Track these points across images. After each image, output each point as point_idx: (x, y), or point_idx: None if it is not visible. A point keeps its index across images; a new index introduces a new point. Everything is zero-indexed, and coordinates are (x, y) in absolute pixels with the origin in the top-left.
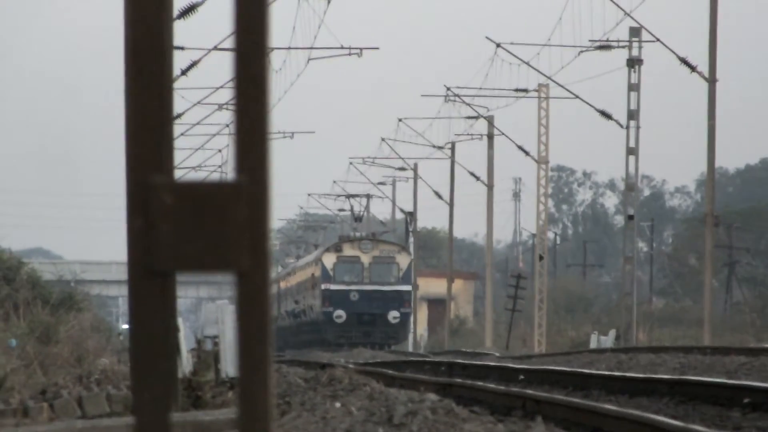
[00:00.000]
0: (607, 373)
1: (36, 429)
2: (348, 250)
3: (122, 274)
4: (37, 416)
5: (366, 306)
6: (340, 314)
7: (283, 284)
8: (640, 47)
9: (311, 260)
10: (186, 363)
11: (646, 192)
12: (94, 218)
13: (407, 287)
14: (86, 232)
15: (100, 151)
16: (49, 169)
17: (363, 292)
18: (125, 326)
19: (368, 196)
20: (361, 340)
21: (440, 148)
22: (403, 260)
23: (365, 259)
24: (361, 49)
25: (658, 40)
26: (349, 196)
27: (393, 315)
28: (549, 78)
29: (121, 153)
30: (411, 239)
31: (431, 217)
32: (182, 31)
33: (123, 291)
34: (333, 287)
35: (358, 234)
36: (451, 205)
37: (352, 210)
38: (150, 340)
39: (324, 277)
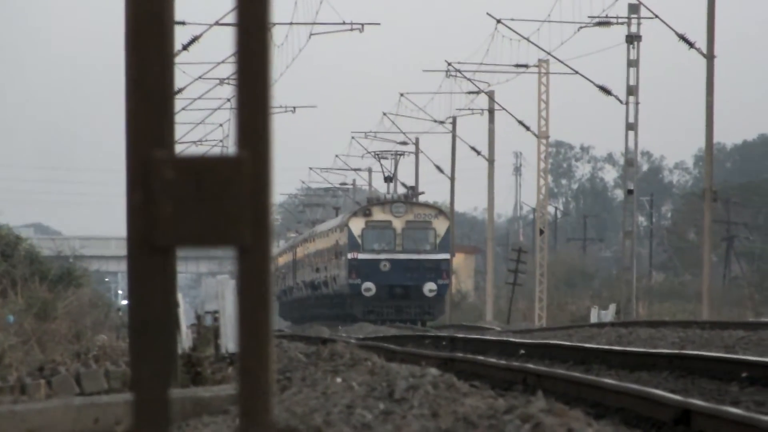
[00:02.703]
0: (607, 347)
1: (33, 406)
2: (378, 214)
3: (122, 249)
4: (34, 393)
5: (398, 277)
6: (369, 287)
7: (300, 252)
8: (639, 23)
9: (335, 225)
10: (185, 338)
11: (645, 167)
12: (94, 193)
13: (445, 256)
14: (85, 207)
15: (100, 126)
16: (47, 145)
17: (395, 261)
18: (124, 302)
19: (402, 154)
20: (393, 317)
21: (441, 122)
22: (441, 225)
23: (397, 224)
24: (362, 24)
25: (656, 16)
26: (378, 153)
27: (429, 287)
28: (549, 54)
29: (122, 128)
30: None
31: (432, 191)
32: (183, 6)
33: (122, 266)
34: (361, 256)
35: (388, 196)
36: (452, 179)
37: (382, 169)
38: (149, 316)
39: (351, 245)
